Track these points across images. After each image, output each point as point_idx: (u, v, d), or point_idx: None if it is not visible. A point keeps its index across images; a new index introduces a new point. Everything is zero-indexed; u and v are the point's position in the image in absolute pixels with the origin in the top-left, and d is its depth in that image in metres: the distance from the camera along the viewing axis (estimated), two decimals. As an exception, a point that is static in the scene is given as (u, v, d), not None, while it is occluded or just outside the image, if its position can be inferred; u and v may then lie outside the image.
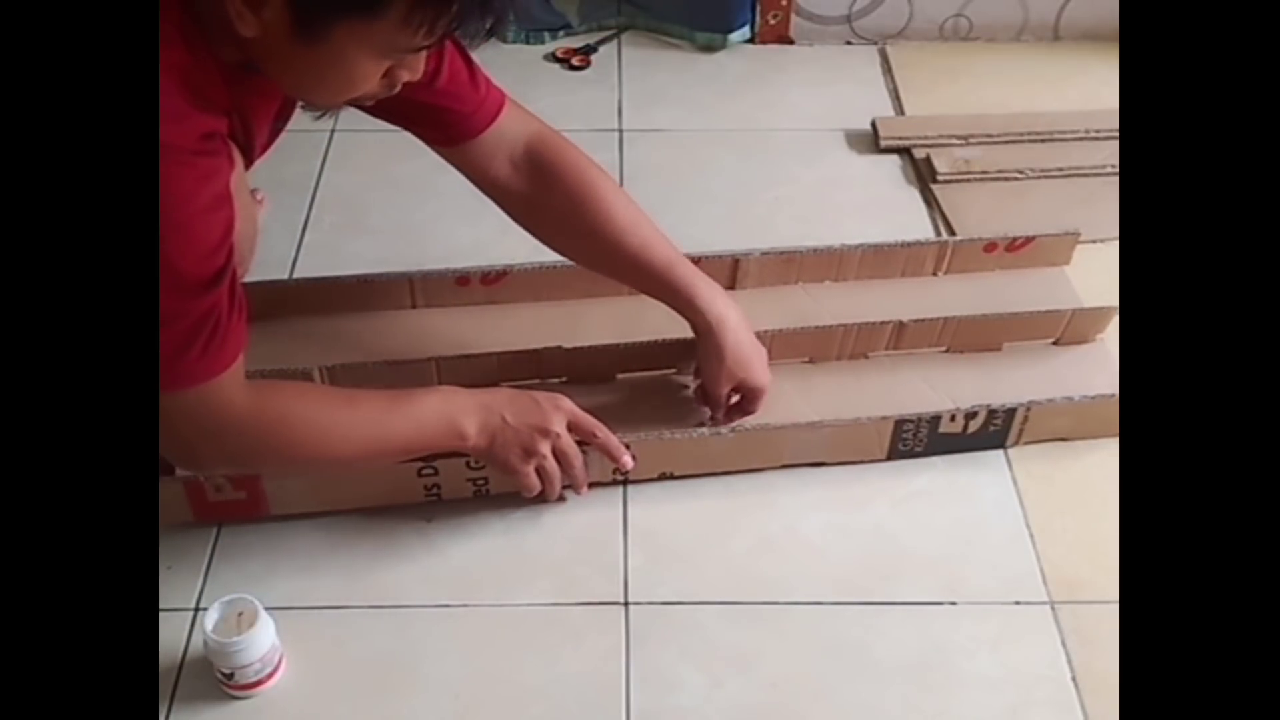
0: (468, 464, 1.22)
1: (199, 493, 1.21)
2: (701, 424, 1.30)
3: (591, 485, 1.26)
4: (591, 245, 1.25)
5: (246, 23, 0.87)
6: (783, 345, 1.36)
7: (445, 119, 1.17)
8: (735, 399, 1.29)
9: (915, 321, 1.37)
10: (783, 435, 1.28)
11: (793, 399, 1.33)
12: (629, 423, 1.27)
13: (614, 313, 1.42)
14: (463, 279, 1.42)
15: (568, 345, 1.32)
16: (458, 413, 1.14)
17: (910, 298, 1.42)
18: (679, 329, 1.31)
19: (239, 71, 0.95)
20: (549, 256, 1.37)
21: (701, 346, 1.26)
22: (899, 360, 1.39)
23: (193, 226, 0.91)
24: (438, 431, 1.14)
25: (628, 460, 1.23)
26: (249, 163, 1.08)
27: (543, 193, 1.22)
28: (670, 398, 1.34)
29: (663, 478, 1.29)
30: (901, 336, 1.38)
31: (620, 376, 1.36)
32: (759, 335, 1.31)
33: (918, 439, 1.30)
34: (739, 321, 1.26)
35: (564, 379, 1.35)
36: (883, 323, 1.36)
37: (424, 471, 1.22)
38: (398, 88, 0.98)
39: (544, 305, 1.44)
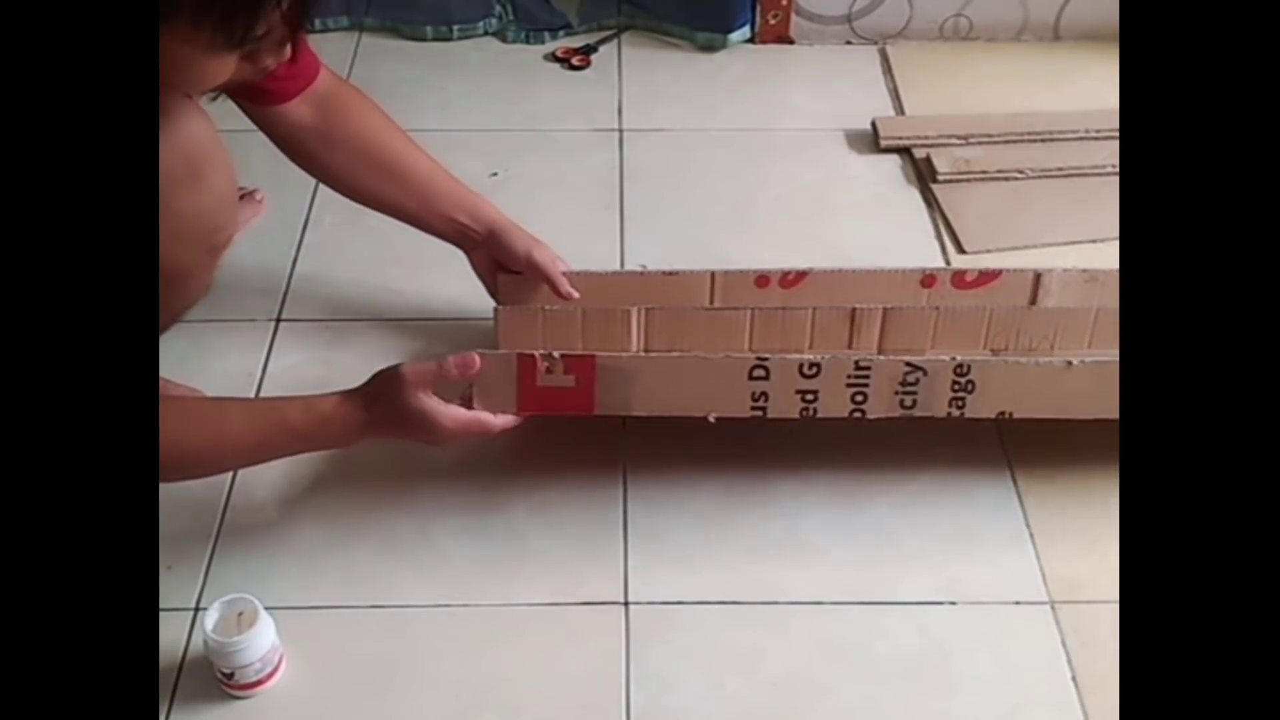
0: (800, 370, 1.19)
1: (530, 374, 1.17)
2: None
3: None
4: (375, 167, 1.31)
5: None
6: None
7: (264, 87, 1.19)
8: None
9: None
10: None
11: None
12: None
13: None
14: (762, 279, 1.41)
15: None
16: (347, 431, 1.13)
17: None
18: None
19: None
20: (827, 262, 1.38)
21: (498, 243, 1.35)
22: None
23: None
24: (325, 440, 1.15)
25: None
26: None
27: (335, 125, 1.28)
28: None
29: (1000, 418, 1.23)
30: None
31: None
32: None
33: None
34: None
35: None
36: None
37: (755, 374, 1.19)
38: (271, 68, 1.00)
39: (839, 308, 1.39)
